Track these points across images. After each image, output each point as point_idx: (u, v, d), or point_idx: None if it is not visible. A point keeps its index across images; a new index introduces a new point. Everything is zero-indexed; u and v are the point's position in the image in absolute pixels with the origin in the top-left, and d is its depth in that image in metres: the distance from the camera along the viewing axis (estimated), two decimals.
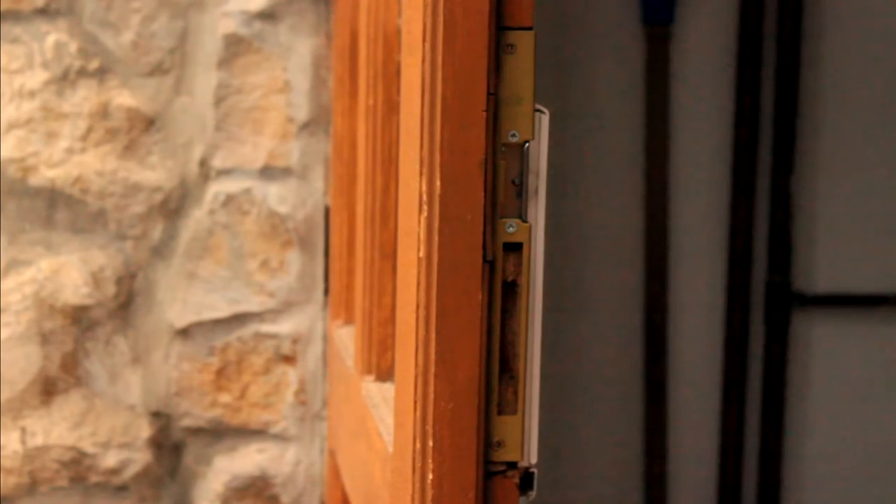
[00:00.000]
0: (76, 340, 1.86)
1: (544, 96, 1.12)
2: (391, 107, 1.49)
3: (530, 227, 1.06)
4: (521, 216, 1.06)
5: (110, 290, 1.86)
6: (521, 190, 1.06)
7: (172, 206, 1.86)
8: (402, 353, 1.12)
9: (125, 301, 1.87)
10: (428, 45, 1.04)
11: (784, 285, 2.71)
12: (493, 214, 1.06)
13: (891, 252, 2.72)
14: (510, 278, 1.06)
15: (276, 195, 1.86)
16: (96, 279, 1.85)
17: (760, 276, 2.73)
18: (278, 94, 1.85)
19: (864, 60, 2.67)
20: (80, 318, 1.85)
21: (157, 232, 1.86)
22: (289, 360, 1.89)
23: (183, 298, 1.87)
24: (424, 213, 1.05)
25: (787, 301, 2.71)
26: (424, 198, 1.05)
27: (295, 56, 1.85)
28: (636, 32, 2.66)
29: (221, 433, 1.89)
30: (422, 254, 1.05)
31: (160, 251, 1.87)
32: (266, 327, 1.88)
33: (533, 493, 1.09)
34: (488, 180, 1.05)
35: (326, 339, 1.89)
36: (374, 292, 1.52)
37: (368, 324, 1.52)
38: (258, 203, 1.86)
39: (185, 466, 1.90)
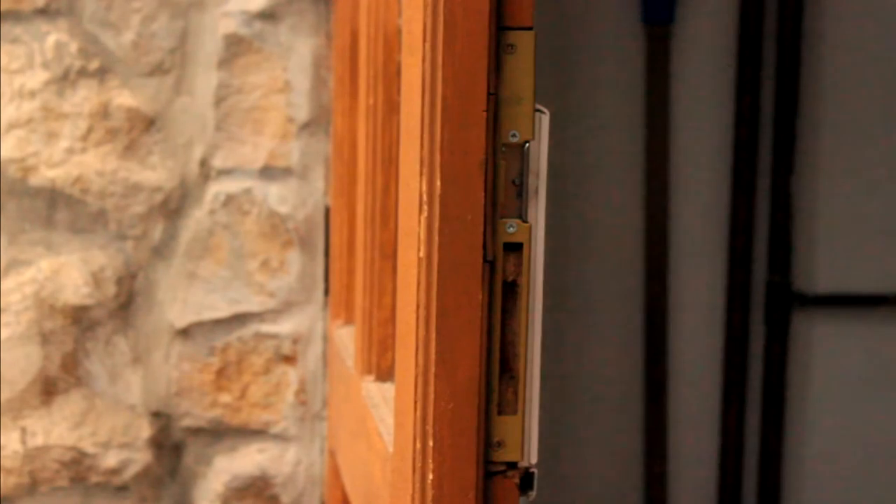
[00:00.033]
0: (76, 340, 1.86)
1: (544, 96, 1.12)
2: (391, 107, 1.49)
3: (530, 227, 1.06)
4: (522, 216, 1.06)
5: (110, 290, 1.86)
6: (521, 190, 1.06)
7: (173, 206, 1.86)
8: (403, 353, 1.12)
9: (125, 301, 1.87)
10: (428, 45, 1.04)
11: (784, 285, 2.71)
12: (493, 214, 1.06)
13: (891, 252, 2.72)
14: (510, 278, 1.06)
15: (277, 195, 1.86)
16: (96, 279, 1.85)
17: (760, 276, 2.73)
18: (278, 94, 1.85)
19: (864, 60, 2.67)
20: (80, 318, 1.85)
21: (157, 232, 1.86)
22: (289, 360, 1.89)
23: (183, 298, 1.87)
24: (425, 213, 1.05)
25: (787, 301, 2.71)
26: (425, 198, 1.05)
27: (295, 56, 1.85)
28: (636, 32, 2.66)
29: (222, 433, 1.89)
30: (422, 254, 1.05)
31: (160, 251, 1.87)
32: (266, 327, 1.88)
33: (533, 493, 1.09)
34: (488, 180, 1.05)
35: (326, 339, 1.89)
36: (374, 292, 1.52)
37: (368, 324, 1.52)
38: (258, 203, 1.86)
39: (186, 466, 1.90)
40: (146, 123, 1.84)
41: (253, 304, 1.87)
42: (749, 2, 2.65)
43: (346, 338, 1.73)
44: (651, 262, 2.70)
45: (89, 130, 1.83)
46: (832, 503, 2.78)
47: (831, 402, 2.76)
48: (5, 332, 1.85)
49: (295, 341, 1.89)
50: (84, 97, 1.83)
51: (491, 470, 1.08)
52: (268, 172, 1.86)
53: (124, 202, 1.85)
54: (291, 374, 1.89)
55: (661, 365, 2.72)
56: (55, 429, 1.86)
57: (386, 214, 1.51)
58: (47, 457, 1.86)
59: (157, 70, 1.84)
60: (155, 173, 1.85)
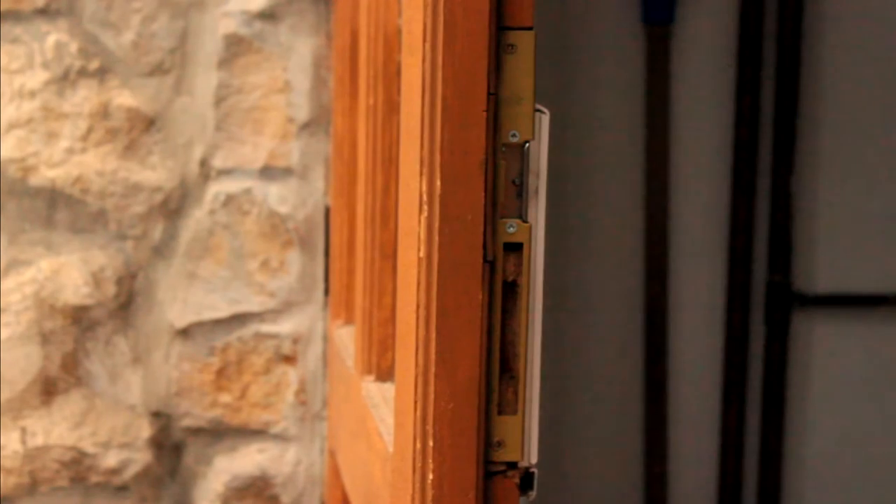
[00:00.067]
0: (76, 340, 1.86)
1: (544, 96, 1.12)
2: (391, 107, 1.49)
3: (530, 227, 1.06)
4: (522, 216, 1.06)
5: (110, 290, 1.86)
6: (521, 190, 1.06)
7: (173, 206, 1.86)
8: (403, 353, 1.12)
9: (125, 301, 1.87)
10: (428, 45, 1.04)
11: (784, 285, 2.71)
12: (493, 214, 1.06)
13: (891, 252, 2.72)
14: (510, 278, 1.06)
15: (277, 195, 1.86)
16: (96, 279, 1.85)
17: (760, 276, 2.73)
18: (278, 94, 1.85)
19: (864, 60, 2.67)
20: (80, 318, 1.85)
21: (157, 232, 1.86)
22: (289, 360, 1.89)
23: (183, 298, 1.87)
24: (425, 213, 1.05)
25: (787, 301, 2.71)
26: (425, 198, 1.05)
27: (295, 56, 1.85)
28: (636, 32, 2.66)
29: (222, 433, 1.89)
30: (422, 254, 1.05)
31: (160, 251, 1.87)
32: (266, 327, 1.88)
33: (533, 493, 1.09)
34: (488, 180, 1.05)
35: (326, 339, 1.89)
36: (374, 292, 1.52)
37: (368, 324, 1.52)
38: (258, 203, 1.86)
39: (186, 466, 1.90)
40: (146, 123, 1.84)
41: (253, 304, 1.87)
42: (749, 2, 2.65)
43: (346, 338, 1.73)
44: (651, 262, 2.70)
45: (89, 130, 1.83)
46: (832, 503, 2.78)
47: (831, 402, 2.76)
48: (5, 332, 1.85)
49: (295, 341, 1.89)
50: (84, 97, 1.83)
51: (491, 470, 1.08)
52: (268, 172, 1.86)
53: (124, 202, 1.85)
54: (291, 374, 1.89)
55: (661, 365, 2.72)
56: (55, 429, 1.86)
57: (386, 214, 1.51)
58: (47, 457, 1.86)
59: (157, 70, 1.84)
60: (155, 173, 1.85)
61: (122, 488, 1.88)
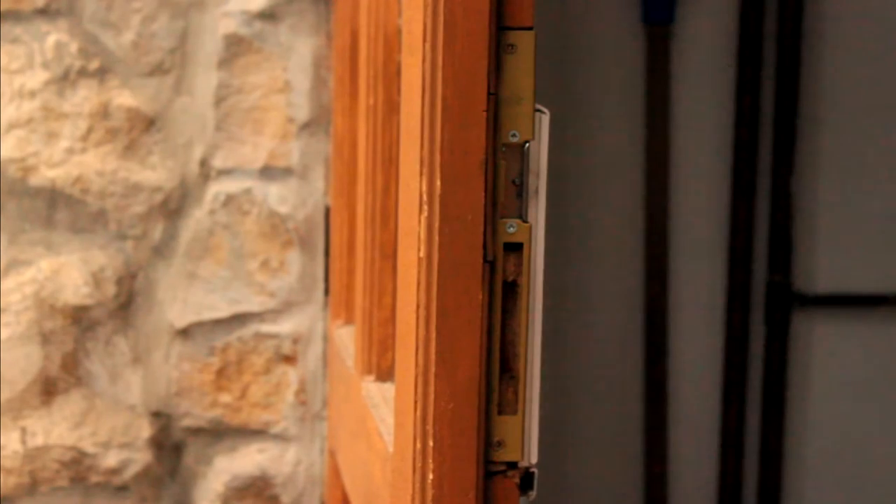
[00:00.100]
0: (76, 340, 1.86)
1: (544, 96, 1.12)
2: (391, 107, 1.49)
3: (530, 227, 1.06)
4: (522, 216, 1.06)
5: (110, 290, 1.86)
6: (521, 190, 1.06)
7: (173, 206, 1.86)
8: (403, 353, 1.12)
9: (125, 301, 1.87)
10: (428, 45, 1.04)
11: (784, 285, 2.71)
12: (493, 214, 1.06)
13: (891, 252, 2.72)
14: (510, 278, 1.06)
15: (277, 195, 1.86)
16: (96, 279, 1.85)
17: (760, 276, 2.73)
18: (278, 94, 1.85)
19: (864, 60, 2.67)
20: (80, 318, 1.85)
21: (157, 232, 1.86)
22: (289, 360, 1.89)
23: (183, 298, 1.87)
24: (425, 213, 1.05)
25: (787, 301, 2.71)
26: (425, 198, 1.05)
27: (295, 56, 1.85)
28: (636, 32, 2.66)
29: (222, 433, 1.89)
30: (422, 254, 1.05)
31: (160, 251, 1.87)
32: (266, 327, 1.88)
33: (533, 493, 1.09)
34: (488, 180, 1.05)
35: (327, 339, 1.89)
36: (374, 292, 1.52)
37: (368, 324, 1.52)
38: (258, 203, 1.86)
39: (186, 466, 1.90)
40: (146, 123, 1.84)
41: (253, 304, 1.87)
42: (749, 2, 2.65)
43: (346, 338, 1.73)
44: (651, 262, 2.70)
45: (89, 130, 1.83)
46: (832, 503, 2.78)
47: (831, 402, 2.76)
48: (5, 332, 1.85)
49: (295, 341, 1.89)
50: (84, 97, 1.83)
51: (491, 470, 1.08)
52: (268, 172, 1.86)
53: (124, 202, 1.85)
54: (291, 374, 1.89)
55: (661, 365, 2.72)
56: (55, 429, 1.86)
57: (386, 214, 1.51)
58: (47, 457, 1.86)
59: (157, 70, 1.84)
60: (155, 173, 1.85)
61: (122, 488, 1.88)
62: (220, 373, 1.88)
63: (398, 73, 1.47)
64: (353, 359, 1.62)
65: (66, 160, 1.83)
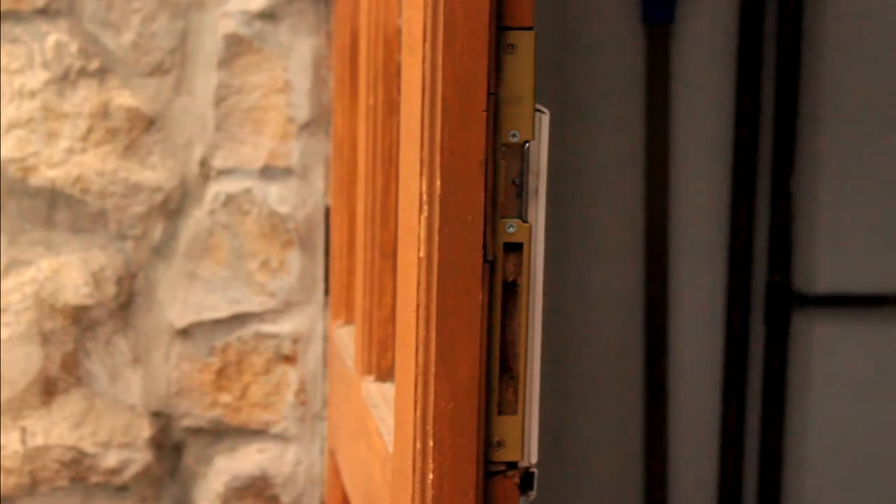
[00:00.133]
0: (76, 340, 1.86)
1: (544, 96, 1.12)
2: (391, 107, 1.49)
3: (530, 227, 1.06)
4: (522, 216, 1.06)
5: (110, 290, 1.86)
6: (521, 190, 1.06)
7: (173, 206, 1.86)
8: (403, 353, 1.12)
9: (125, 301, 1.87)
10: (428, 45, 1.04)
11: (784, 285, 2.71)
12: (493, 214, 1.06)
13: (891, 252, 2.72)
14: (510, 278, 1.06)
15: (277, 195, 1.86)
16: (96, 279, 1.85)
17: (760, 276, 2.73)
18: (279, 94, 1.85)
19: (864, 60, 2.67)
20: (80, 318, 1.85)
21: (157, 232, 1.86)
22: (289, 360, 1.89)
23: (183, 298, 1.87)
24: (425, 213, 1.05)
25: (787, 301, 2.71)
26: (424, 198, 1.05)
27: (295, 56, 1.85)
28: (636, 32, 2.66)
29: (222, 433, 1.89)
30: (422, 254, 1.05)
31: (160, 251, 1.87)
32: (266, 327, 1.88)
33: (533, 493, 1.09)
34: (488, 180, 1.05)
35: (327, 339, 1.89)
36: (374, 292, 1.52)
37: (368, 324, 1.52)
38: (258, 203, 1.86)
39: (186, 466, 1.90)
40: (146, 123, 1.84)
41: (253, 304, 1.87)
42: (749, 2, 2.65)
43: (346, 338, 1.73)
44: (651, 262, 2.70)
45: (89, 130, 1.83)
46: (832, 503, 2.78)
47: (831, 402, 2.76)
48: (5, 332, 1.85)
49: (295, 341, 1.89)
50: (84, 97, 1.83)
51: (491, 470, 1.08)
52: (268, 172, 1.86)
53: (124, 202, 1.85)
54: (291, 374, 1.89)
55: (661, 365, 2.72)
56: (55, 429, 1.86)
57: (386, 214, 1.51)
58: (47, 457, 1.86)
59: (157, 70, 1.84)
60: (155, 173, 1.85)
61: (122, 488, 1.88)
62: (220, 373, 1.88)
63: (398, 73, 1.47)
64: (353, 359, 1.62)
65: (66, 160, 1.83)
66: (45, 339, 1.85)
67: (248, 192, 1.86)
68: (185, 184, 1.86)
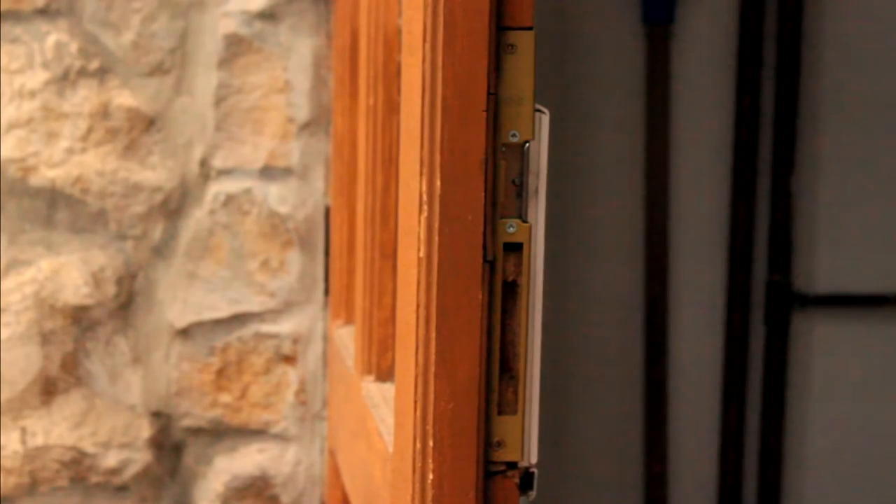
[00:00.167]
0: (76, 340, 1.86)
1: (544, 96, 1.12)
2: (391, 107, 1.49)
3: (530, 227, 1.06)
4: (522, 216, 1.06)
5: (110, 290, 1.86)
6: (521, 190, 1.06)
7: (173, 206, 1.86)
8: (403, 353, 1.12)
9: (125, 301, 1.87)
10: (428, 45, 1.04)
11: (784, 285, 2.71)
12: (493, 214, 1.06)
13: (891, 252, 2.72)
14: (510, 278, 1.06)
15: (277, 195, 1.86)
16: (96, 279, 1.85)
17: (760, 276, 2.73)
18: (279, 94, 1.85)
19: (864, 61, 2.67)
20: (80, 318, 1.85)
21: (157, 232, 1.86)
22: (289, 360, 1.89)
23: (183, 298, 1.87)
24: (424, 213, 1.05)
25: (787, 301, 2.71)
26: (424, 198, 1.05)
27: (295, 56, 1.85)
28: (636, 32, 2.66)
29: (222, 433, 1.89)
30: (422, 254, 1.05)
31: (160, 251, 1.87)
32: (266, 327, 1.88)
33: (533, 493, 1.09)
34: (488, 180, 1.05)
35: (327, 339, 1.89)
36: (374, 292, 1.52)
37: (368, 324, 1.52)
38: (258, 203, 1.86)
39: (186, 466, 1.90)
40: (146, 123, 1.84)
41: (253, 304, 1.87)
42: (749, 2, 2.65)
43: (346, 338, 1.73)
44: (651, 262, 2.70)
45: (89, 130, 1.83)
46: (832, 503, 2.78)
47: (831, 402, 2.76)
48: (5, 332, 1.85)
49: (295, 341, 1.89)
50: (84, 97, 1.83)
51: (491, 470, 1.08)
52: (268, 172, 1.86)
53: (124, 202, 1.85)
54: (291, 374, 1.89)
55: (661, 365, 2.72)
56: (55, 429, 1.86)
57: (386, 214, 1.51)
58: (47, 457, 1.86)
59: (157, 70, 1.84)
60: (155, 173, 1.85)
61: (122, 488, 1.88)
62: (220, 373, 1.88)
63: (398, 73, 1.47)
64: (353, 359, 1.62)
65: (66, 160, 1.83)
66: (45, 339, 1.85)
67: (248, 192, 1.86)
68: (185, 184, 1.86)
